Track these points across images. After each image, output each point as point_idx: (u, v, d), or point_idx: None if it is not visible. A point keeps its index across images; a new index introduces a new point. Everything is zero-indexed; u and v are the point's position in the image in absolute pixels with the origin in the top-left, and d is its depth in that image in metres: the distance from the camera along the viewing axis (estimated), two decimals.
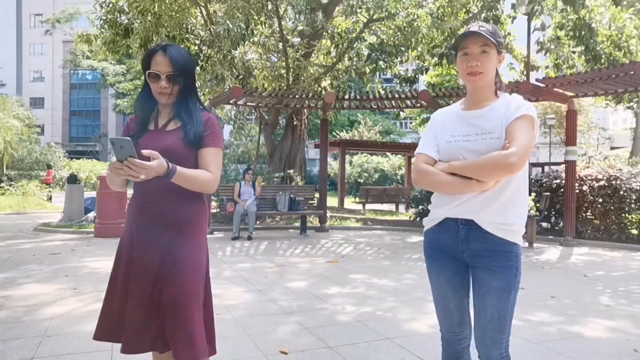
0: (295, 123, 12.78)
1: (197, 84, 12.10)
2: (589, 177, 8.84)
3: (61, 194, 17.23)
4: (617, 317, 4.05)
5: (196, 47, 10.78)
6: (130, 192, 2.10)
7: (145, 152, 1.68)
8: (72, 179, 11.26)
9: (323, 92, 10.66)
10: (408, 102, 10.56)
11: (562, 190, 8.88)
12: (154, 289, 1.87)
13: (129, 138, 1.64)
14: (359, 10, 11.06)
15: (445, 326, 1.93)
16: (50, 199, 19.52)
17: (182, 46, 2.02)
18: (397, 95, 10.13)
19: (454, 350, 1.93)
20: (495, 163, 1.65)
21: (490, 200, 1.74)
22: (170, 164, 1.75)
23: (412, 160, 23.48)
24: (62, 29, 37.72)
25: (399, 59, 11.53)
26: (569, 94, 8.76)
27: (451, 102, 10.51)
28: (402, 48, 11.24)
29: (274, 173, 12.25)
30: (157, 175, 1.72)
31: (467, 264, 1.83)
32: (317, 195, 10.61)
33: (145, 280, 1.87)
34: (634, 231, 8.69)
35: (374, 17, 11.44)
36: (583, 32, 10.57)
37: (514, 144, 1.65)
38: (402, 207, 16.44)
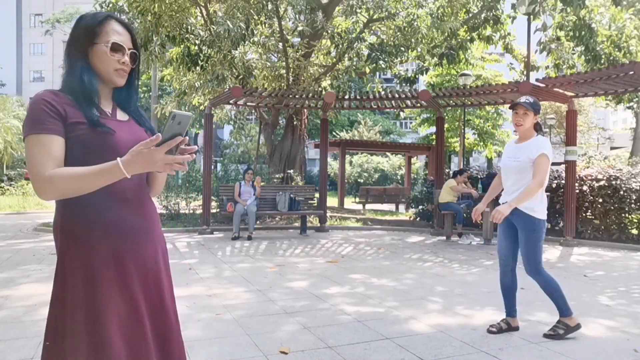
0: (295, 123, 12.78)
1: (197, 84, 12.11)
2: (589, 177, 8.84)
3: None
4: (617, 317, 4.05)
5: (196, 47, 10.78)
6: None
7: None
8: None
9: (323, 92, 10.65)
10: (408, 102, 10.56)
11: (562, 190, 8.88)
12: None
13: (191, 114, 1.39)
14: (359, 10, 11.04)
15: (500, 256, 3.61)
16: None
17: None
18: (397, 95, 10.12)
19: (504, 269, 3.61)
20: (531, 192, 3.29)
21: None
22: None
23: (412, 160, 23.51)
24: (62, 29, 37.69)
25: (399, 59, 11.52)
26: (569, 94, 8.75)
27: (451, 101, 10.54)
28: (402, 48, 11.23)
29: (274, 173, 12.25)
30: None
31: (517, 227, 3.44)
32: (317, 195, 10.61)
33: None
34: (634, 231, 8.69)
35: (374, 17, 11.43)
36: (583, 32, 10.58)
37: (534, 177, 3.32)
38: (402, 207, 16.45)
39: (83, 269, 1.45)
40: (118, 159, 1.37)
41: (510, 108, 3.45)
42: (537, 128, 3.45)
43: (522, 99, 3.39)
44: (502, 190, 3.63)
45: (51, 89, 1.53)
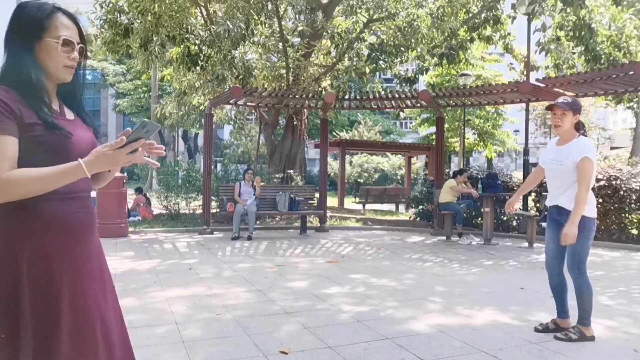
0: (295, 123, 12.78)
1: (197, 84, 12.10)
2: None
3: None
4: (617, 317, 4.05)
5: (196, 47, 10.78)
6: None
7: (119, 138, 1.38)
8: None
9: (323, 92, 10.65)
10: (408, 102, 10.56)
11: None
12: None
13: (159, 125, 1.46)
14: (359, 10, 11.04)
15: (547, 258, 3.60)
16: None
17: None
18: (397, 95, 10.13)
19: (551, 272, 3.59)
20: (582, 200, 3.24)
21: (564, 197, 3.38)
22: None
23: (412, 160, 23.49)
24: None
25: (399, 59, 11.51)
26: (569, 94, 8.74)
27: (451, 101, 10.54)
28: (402, 48, 11.22)
29: (274, 173, 12.25)
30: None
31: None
32: (317, 195, 10.60)
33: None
34: (634, 231, 8.69)
35: (374, 17, 11.43)
36: (583, 33, 10.57)
37: (580, 184, 3.26)
38: (402, 207, 16.45)
39: (38, 264, 1.41)
40: (80, 160, 1.37)
41: (546, 109, 3.45)
42: (579, 128, 3.40)
43: (560, 99, 3.37)
44: (532, 189, 3.84)
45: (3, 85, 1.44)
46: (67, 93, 1.59)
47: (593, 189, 10.13)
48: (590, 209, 3.33)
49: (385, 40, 11.58)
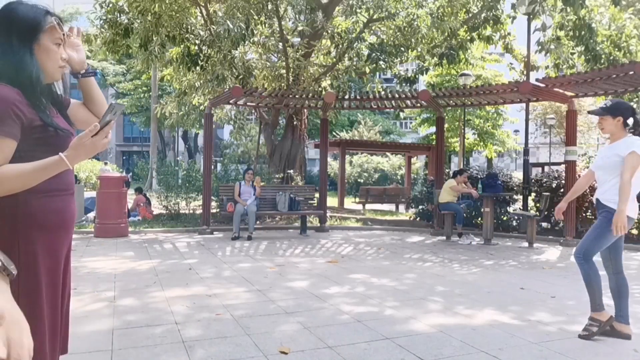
0: (295, 123, 12.78)
1: (197, 84, 12.09)
2: None
3: None
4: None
5: (196, 47, 10.78)
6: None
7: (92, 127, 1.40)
8: None
9: (323, 92, 10.65)
10: (408, 102, 10.56)
11: (562, 190, 8.88)
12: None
13: (124, 104, 1.56)
14: (359, 10, 11.04)
15: (602, 259, 3.65)
16: None
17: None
18: (397, 95, 10.13)
19: (607, 272, 3.63)
20: (624, 189, 3.30)
21: (602, 189, 3.51)
22: None
23: (412, 160, 23.50)
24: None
25: (399, 59, 11.52)
26: (569, 94, 8.75)
27: (451, 101, 10.54)
28: (402, 48, 11.22)
29: (274, 173, 12.25)
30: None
31: None
32: (317, 195, 10.61)
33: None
34: (634, 231, 8.69)
35: (374, 17, 11.43)
36: (583, 32, 10.56)
37: (621, 174, 3.34)
38: (402, 207, 16.45)
39: (48, 253, 1.51)
40: (61, 154, 1.40)
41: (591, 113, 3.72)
42: (638, 125, 3.53)
43: (601, 104, 3.62)
44: (580, 193, 3.95)
45: (6, 84, 1.43)
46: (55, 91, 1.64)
47: (593, 188, 10.11)
48: (629, 206, 3.34)
49: (385, 40, 11.58)
